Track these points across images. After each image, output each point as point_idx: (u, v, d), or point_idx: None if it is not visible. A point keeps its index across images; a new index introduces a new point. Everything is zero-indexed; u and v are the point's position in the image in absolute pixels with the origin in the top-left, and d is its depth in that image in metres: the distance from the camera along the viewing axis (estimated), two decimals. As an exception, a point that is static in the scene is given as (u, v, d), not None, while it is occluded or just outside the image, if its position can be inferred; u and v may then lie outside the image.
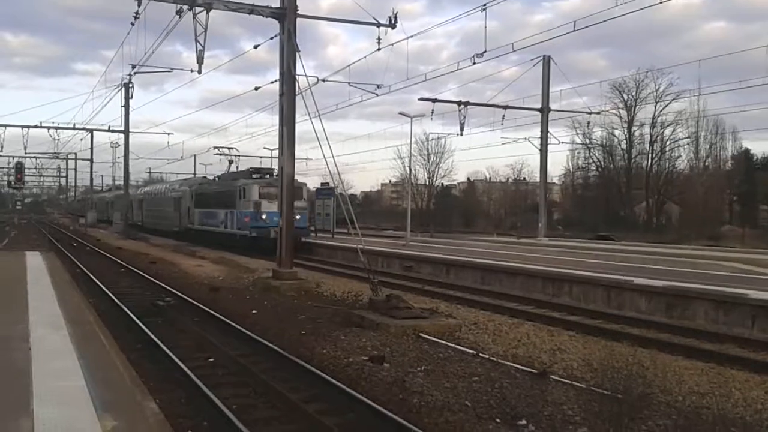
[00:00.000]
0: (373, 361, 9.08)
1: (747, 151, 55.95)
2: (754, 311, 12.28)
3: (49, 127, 43.36)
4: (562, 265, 18.84)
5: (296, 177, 23.11)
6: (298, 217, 25.31)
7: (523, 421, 6.78)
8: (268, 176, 31.34)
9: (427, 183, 70.46)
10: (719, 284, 14.16)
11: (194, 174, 62.33)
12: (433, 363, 9.18)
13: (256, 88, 26.40)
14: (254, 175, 31.95)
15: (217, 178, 39.01)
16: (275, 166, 31.70)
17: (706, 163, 54.19)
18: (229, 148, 37.33)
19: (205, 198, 36.16)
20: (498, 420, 6.85)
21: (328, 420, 6.77)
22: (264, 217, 28.13)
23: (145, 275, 19.85)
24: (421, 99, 32.47)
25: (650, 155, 56.54)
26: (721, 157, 55.10)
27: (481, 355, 9.73)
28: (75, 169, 69.46)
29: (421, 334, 11.00)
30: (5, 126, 42.24)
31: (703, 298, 13.26)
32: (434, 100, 32.37)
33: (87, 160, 59.43)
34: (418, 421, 6.67)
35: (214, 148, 37.70)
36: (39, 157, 60.68)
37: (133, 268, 21.94)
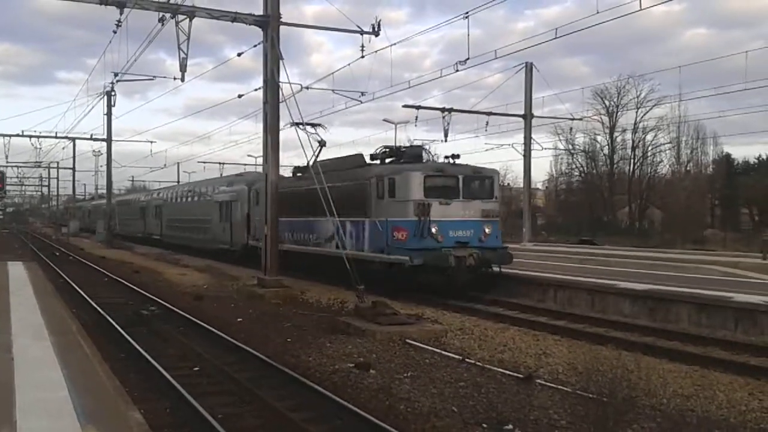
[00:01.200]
0: (359, 368, 9.08)
1: (728, 155, 56.57)
2: (737, 314, 12.41)
3: (30, 136, 43.21)
4: (547, 269, 18.92)
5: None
6: (487, 230, 17.14)
7: (510, 426, 6.81)
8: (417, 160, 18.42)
9: (413, 189, 70.44)
10: (702, 287, 14.29)
11: (178, 182, 61.62)
12: (420, 369, 9.20)
13: (240, 96, 26.42)
14: (388, 159, 18.84)
15: (297, 173, 23.36)
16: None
17: (688, 168, 54.76)
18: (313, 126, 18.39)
19: (282, 200, 19.47)
20: (485, 425, 6.87)
21: (315, 428, 6.76)
22: (434, 230, 16.52)
23: (129, 284, 19.69)
24: (406, 106, 32.66)
25: (632, 160, 57.13)
26: (703, 162, 55.66)
27: (467, 360, 9.76)
28: (57, 178, 69.20)
29: (407, 340, 11.01)
30: (-14, 135, 42.02)
31: (686, 301, 13.37)
32: (418, 107, 32.46)
33: (69, 168, 59.14)
34: (406, 428, 6.68)
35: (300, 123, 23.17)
36: (21, 166, 60.37)
37: (116, 278, 21.74)
